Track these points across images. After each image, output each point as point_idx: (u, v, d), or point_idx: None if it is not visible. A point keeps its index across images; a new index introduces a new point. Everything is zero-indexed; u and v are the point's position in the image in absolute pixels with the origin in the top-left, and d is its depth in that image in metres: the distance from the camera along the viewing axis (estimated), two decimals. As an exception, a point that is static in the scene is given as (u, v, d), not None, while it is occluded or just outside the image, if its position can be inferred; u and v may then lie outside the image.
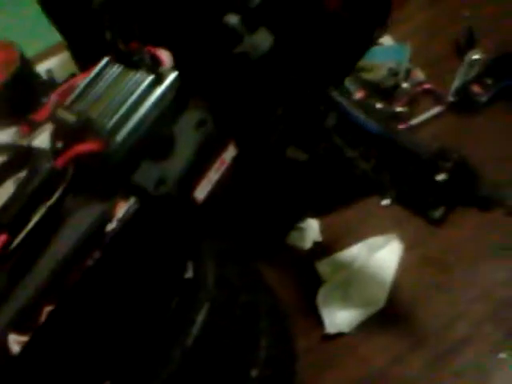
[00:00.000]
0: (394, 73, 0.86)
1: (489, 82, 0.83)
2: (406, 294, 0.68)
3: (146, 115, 0.39)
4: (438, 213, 0.43)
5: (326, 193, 0.75)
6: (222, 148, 0.43)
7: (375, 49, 0.96)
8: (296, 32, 0.42)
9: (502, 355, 0.61)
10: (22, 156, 0.49)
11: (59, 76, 1.06)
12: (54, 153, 0.39)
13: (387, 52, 0.90)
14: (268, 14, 0.36)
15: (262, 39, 0.37)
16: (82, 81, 0.41)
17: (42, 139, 1.06)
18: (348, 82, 0.85)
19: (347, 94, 0.87)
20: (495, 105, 0.83)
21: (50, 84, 1.05)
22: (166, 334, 0.43)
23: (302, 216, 0.79)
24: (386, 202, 0.45)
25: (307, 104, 0.41)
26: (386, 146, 0.42)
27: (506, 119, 0.81)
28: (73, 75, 0.99)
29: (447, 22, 0.95)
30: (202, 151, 0.41)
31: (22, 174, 0.52)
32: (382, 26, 0.56)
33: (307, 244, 0.76)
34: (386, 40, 0.94)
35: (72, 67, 0.94)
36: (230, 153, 0.44)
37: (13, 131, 1.00)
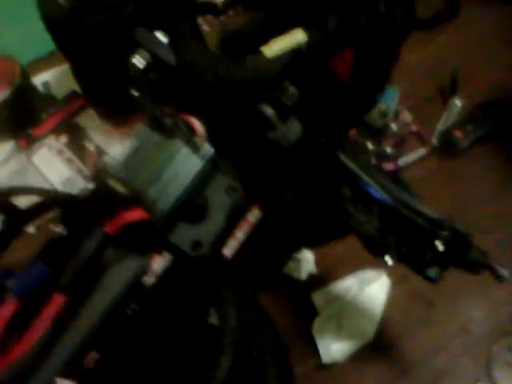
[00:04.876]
0: (383, 114, 0.93)
1: (469, 128, 0.91)
2: (393, 328, 0.74)
3: (186, 186, 0.43)
4: (434, 272, 0.50)
5: (322, 228, 0.81)
6: (248, 211, 0.49)
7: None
8: (316, 111, 0.47)
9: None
10: (49, 199, 0.53)
11: (56, 89, 1.06)
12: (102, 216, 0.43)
13: (378, 94, 0.97)
14: (300, 106, 0.41)
15: (293, 129, 0.41)
16: (125, 149, 0.44)
17: (41, 154, 1.07)
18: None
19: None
20: (475, 149, 0.90)
21: (48, 98, 1.06)
22: (193, 379, 0.47)
23: (299, 247, 0.84)
24: (390, 262, 0.52)
25: (321, 172, 0.46)
26: (391, 213, 0.48)
27: (483, 163, 0.89)
28: (74, 93, 1.01)
29: (435, 65, 1.01)
30: (232, 215, 0.46)
31: (48, 216, 0.55)
32: (382, 90, 0.62)
33: (303, 275, 0.82)
34: (377, 81, 1.01)
35: (69, 81, 0.90)
36: (254, 215, 0.49)
37: (11, 145, 1.02)
